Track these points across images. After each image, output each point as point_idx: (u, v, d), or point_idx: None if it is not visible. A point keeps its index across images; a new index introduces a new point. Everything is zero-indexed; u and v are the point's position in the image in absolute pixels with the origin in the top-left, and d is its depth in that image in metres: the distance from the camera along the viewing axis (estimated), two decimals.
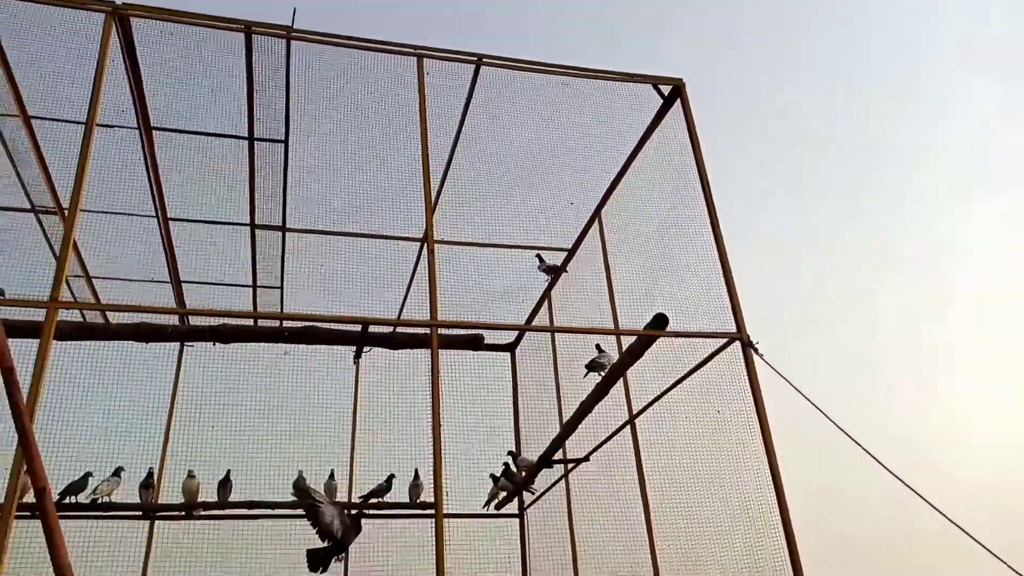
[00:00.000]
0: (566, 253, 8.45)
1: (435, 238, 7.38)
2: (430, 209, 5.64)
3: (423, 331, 6.73)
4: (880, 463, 4.53)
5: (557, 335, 8.59)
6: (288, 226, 7.52)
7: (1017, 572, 4.00)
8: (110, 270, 8.16)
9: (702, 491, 5.82)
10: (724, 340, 5.53)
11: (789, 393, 5.04)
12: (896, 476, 4.44)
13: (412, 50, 6.01)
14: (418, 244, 7.89)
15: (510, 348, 9.74)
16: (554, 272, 8.53)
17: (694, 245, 6.30)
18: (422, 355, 8.20)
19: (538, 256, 8.41)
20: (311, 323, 5.97)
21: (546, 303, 8.96)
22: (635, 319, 6.66)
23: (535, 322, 9.22)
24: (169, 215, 7.37)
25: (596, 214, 7.94)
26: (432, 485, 5.00)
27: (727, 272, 5.75)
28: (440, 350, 5.18)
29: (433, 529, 8.40)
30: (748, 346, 5.33)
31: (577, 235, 8.24)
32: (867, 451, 4.56)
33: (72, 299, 8.03)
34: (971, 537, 4.17)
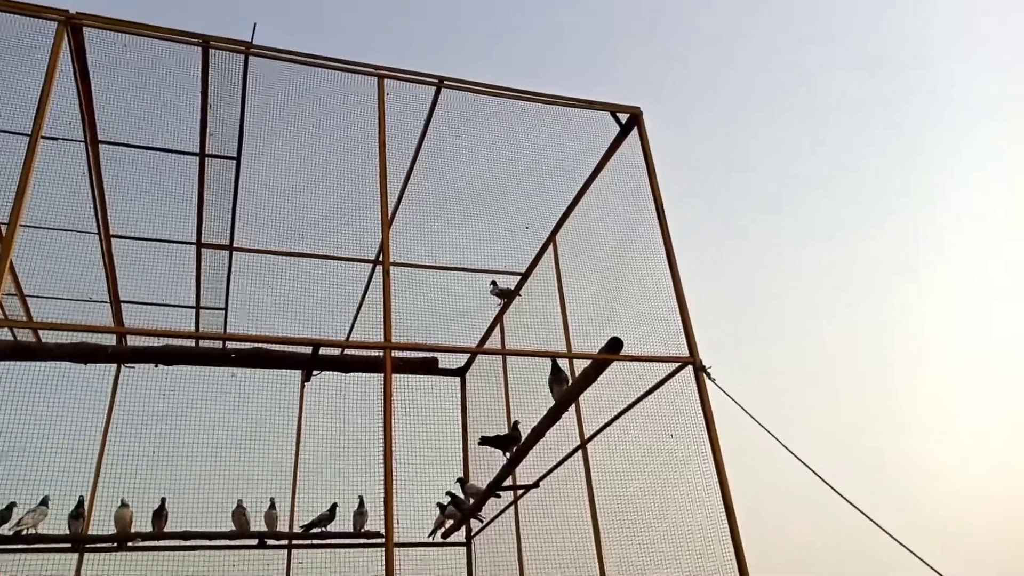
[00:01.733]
0: (520, 277, 8.45)
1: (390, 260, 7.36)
2: (387, 230, 5.57)
3: (375, 353, 6.61)
4: (828, 484, 4.60)
5: (509, 360, 8.55)
6: (236, 245, 7.33)
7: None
8: (46, 288, 7.83)
9: (654, 516, 5.81)
10: (677, 364, 5.57)
11: (741, 414, 5.09)
12: (841, 495, 4.51)
13: (373, 70, 5.98)
14: (370, 265, 7.80)
15: (460, 372, 9.66)
16: (507, 296, 8.52)
17: (648, 270, 6.36)
18: (368, 379, 8.05)
19: (492, 281, 8.39)
20: (258, 344, 5.78)
21: (498, 327, 8.93)
22: (589, 343, 6.67)
23: (487, 346, 9.17)
24: (112, 232, 7.12)
25: (551, 238, 7.98)
26: (383, 514, 4.87)
27: (680, 297, 5.82)
28: (413, 373, 5.09)
29: (378, 558, 8.26)
30: (701, 371, 5.39)
31: (531, 259, 8.26)
32: (816, 473, 4.64)
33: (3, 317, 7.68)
34: (918, 556, 4.25)
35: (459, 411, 9.64)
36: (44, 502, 7.35)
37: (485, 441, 7.34)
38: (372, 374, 7.75)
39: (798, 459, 4.71)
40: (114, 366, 7.75)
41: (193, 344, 7.34)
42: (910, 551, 4.28)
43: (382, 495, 4.74)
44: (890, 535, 4.35)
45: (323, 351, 6.04)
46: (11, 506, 7.27)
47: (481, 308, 8.59)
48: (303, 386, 7.72)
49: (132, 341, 7.41)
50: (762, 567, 4.90)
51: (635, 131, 6.55)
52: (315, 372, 5.43)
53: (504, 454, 7.10)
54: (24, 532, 7.25)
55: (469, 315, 8.60)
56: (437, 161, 6.89)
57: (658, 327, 6.03)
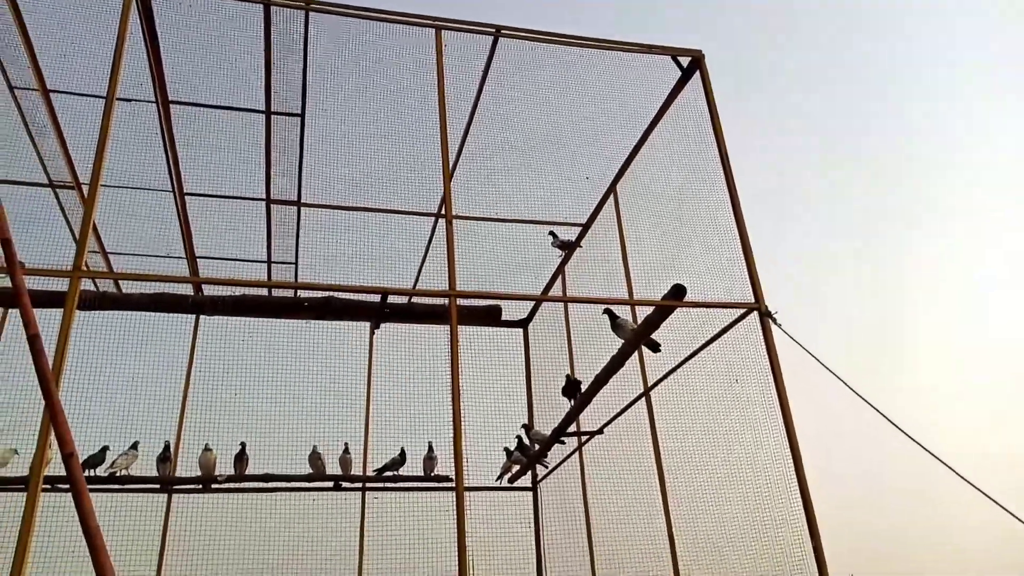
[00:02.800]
0: (580, 228, 8.45)
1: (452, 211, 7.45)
2: (448, 182, 5.64)
3: (441, 302, 6.74)
4: (894, 423, 4.55)
5: (571, 312, 8.61)
6: (303, 201, 7.52)
7: None
8: (125, 245, 8.21)
9: (718, 463, 5.85)
10: (742, 310, 5.54)
11: (808, 364, 5.05)
12: (909, 436, 4.46)
13: (431, 22, 5.99)
14: (432, 219, 7.91)
15: (523, 324, 9.77)
16: (568, 247, 8.53)
17: (711, 218, 6.29)
18: (435, 330, 8.25)
19: (551, 233, 8.41)
20: (330, 293, 5.96)
21: (560, 279, 8.98)
22: (651, 292, 6.67)
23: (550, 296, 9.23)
24: (185, 189, 7.38)
25: (612, 188, 7.93)
26: (452, 458, 5.05)
27: (745, 242, 5.74)
28: (478, 322, 5.20)
29: (448, 501, 8.53)
30: (767, 316, 5.34)
31: (592, 209, 8.24)
32: (880, 412, 4.59)
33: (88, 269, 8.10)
34: (989, 497, 4.21)
35: (523, 361, 9.81)
36: (134, 446, 7.80)
37: (567, 389, 7.46)
38: (438, 325, 7.96)
39: (862, 398, 4.67)
40: (192, 318, 8.11)
41: (267, 294, 7.60)
42: (977, 488, 4.23)
43: (451, 441, 4.92)
44: (956, 472, 4.30)
45: (390, 300, 6.19)
46: (104, 449, 7.73)
47: (543, 260, 8.63)
48: (372, 335, 7.93)
49: (208, 292, 7.72)
50: (828, 508, 4.91)
51: (697, 76, 6.42)
52: (384, 321, 5.59)
53: (569, 401, 7.21)
54: (118, 473, 7.74)
55: (531, 267, 8.66)
56: (496, 113, 6.89)
57: (721, 274, 5.98)
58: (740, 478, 5.55)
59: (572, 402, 7.12)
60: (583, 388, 6.90)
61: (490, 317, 6.04)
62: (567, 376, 7.59)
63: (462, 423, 4.98)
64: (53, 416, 3.75)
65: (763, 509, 5.30)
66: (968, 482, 4.28)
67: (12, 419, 6.68)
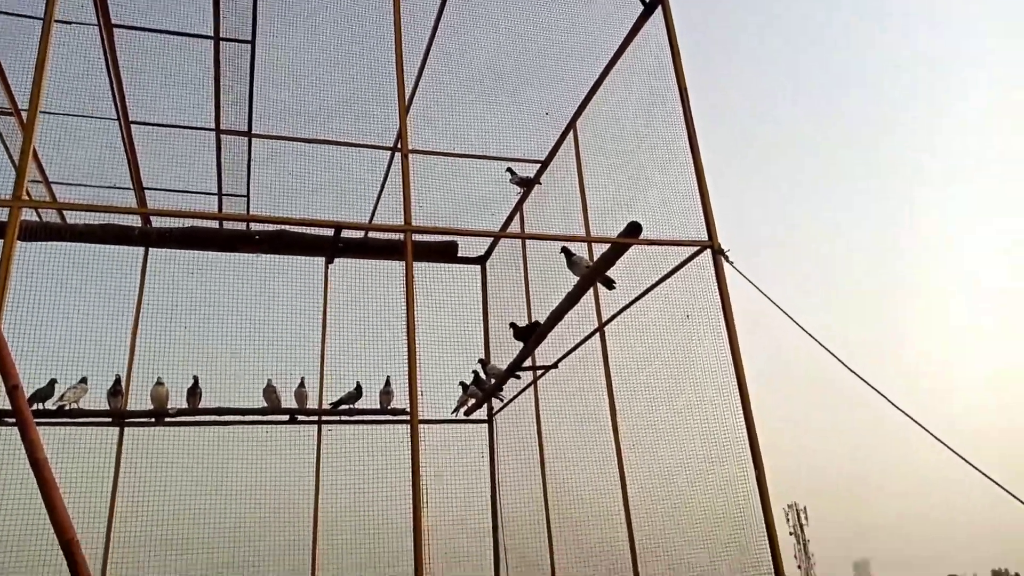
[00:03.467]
0: (539, 165, 8.40)
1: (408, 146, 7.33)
2: (404, 115, 5.54)
3: (396, 237, 6.69)
4: (843, 363, 4.72)
5: (529, 249, 8.62)
6: (254, 132, 7.32)
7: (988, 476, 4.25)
8: (69, 175, 7.93)
9: (669, 397, 6.00)
10: (696, 248, 5.61)
11: (761, 305, 5.17)
12: (859, 376, 4.63)
13: None
14: (389, 152, 7.78)
15: (481, 261, 9.77)
16: (527, 184, 8.49)
17: (670, 156, 6.29)
18: (392, 266, 8.19)
19: (509, 169, 8.34)
20: (282, 226, 5.86)
21: (518, 216, 8.96)
22: (608, 230, 6.70)
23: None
24: (131, 118, 7.13)
25: (571, 124, 7.87)
26: (407, 392, 5.09)
27: (701, 180, 5.78)
28: (415, 260, 5.18)
29: (404, 434, 8.62)
30: (719, 254, 5.42)
31: (551, 146, 8.18)
32: (829, 351, 4.75)
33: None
34: (934, 436, 4.41)
35: (480, 298, 9.85)
36: (83, 380, 7.68)
37: (517, 332, 7.54)
38: (394, 261, 7.90)
39: (810, 335, 4.81)
40: (141, 250, 7.91)
41: (218, 227, 7.45)
42: (911, 418, 4.43)
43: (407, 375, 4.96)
44: (896, 406, 4.49)
45: (345, 235, 6.12)
46: (52, 382, 7.58)
47: (501, 197, 8.60)
48: (327, 268, 7.84)
49: (157, 224, 7.53)
50: (771, 443, 5.10)
51: (659, 10, 6.33)
52: (338, 256, 5.52)
53: (523, 342, 7.30)
54: (67, 407, 7.63)
55: (489, 204, 8.63)
56: (455, 44, 6.74)
57: (678, 213, 6.03)
58: (690, 411, 5.70)
59: (523, 346, 7.20)
60: (540, 324, 6.97)
61: (446, 253, 6.01)
62: (511, 325, 7.67)
63: (417, 358, 5.01)
64: None
65: (711, 441, 5.48)
66: (906, 414, 4.48)
67: None
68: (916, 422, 4.39)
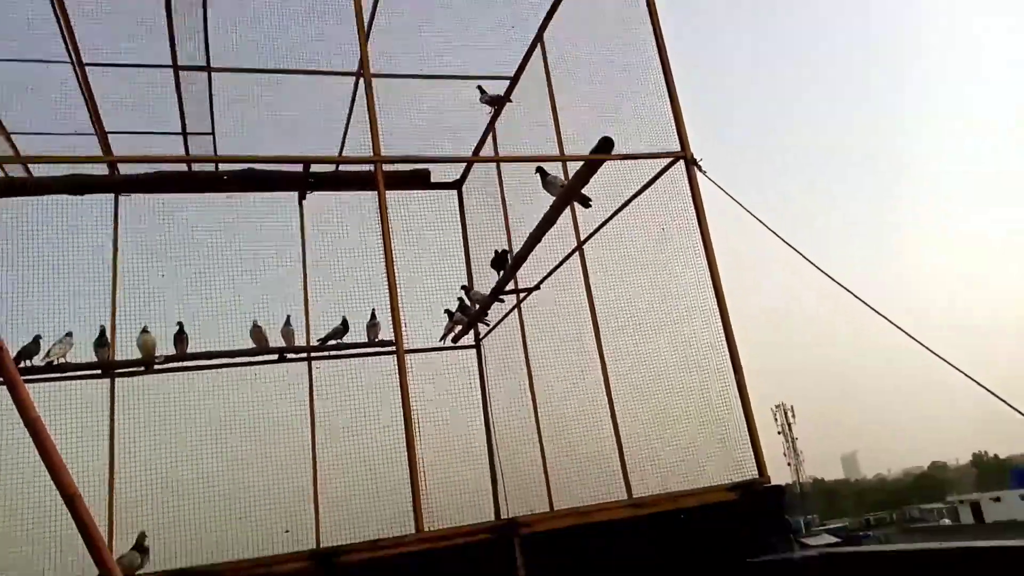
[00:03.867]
0: (509, 81, 8.19)
1: (371, 71, 7.12)
2: (364, 39, 5.35)
3: (368, 168, 6.57)
4: (820, 269, 4.73)
5: (504, 170, 8.50)
6: (213, 66, 7.08)
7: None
8: (30, 124, 7.70)
9: (650, 312, 6.03)
10: (669, 159, 5.54)
11: (740, 217, 5.14)
12: (836, 281, 4.65)
13: None
14: (353, 79, 7.55)
15: (456, 185, 9.65)
16: (498, 102, 8.30)
17: (644, 67, 6.14)
18: (368, 197, 8.06)
19: (479, 87, 8.14)
20: (251, 165, 5.74)
21: (491, 136, 8.81)
22: (582, 147, 6.59)
23: (481, 155, 9.09)
24: (84, 60, 6.86)
25: (539, 36, 7.64)
26: (391, 323, 5.10)
27: (671, 89, 5.67)
28: (387, 190, 5.10)
29: (393, 367, 8.70)
30: (692, 164, 5.36)
31: (519, 61, 7.96)
32: (804, 256, 4.76)
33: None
34: (914, 339, 4.46)
35: (459, 223, 9.77)
36: (68, 335, 7.64)
37: (493, 261, 7.56)
38: (369, 192, 7.76)
39: (779, 237, 4.82)
40: (111, 198, 7.75)
41: (186, 169, 7.27)
42: (882, 315, 4.49)
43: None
44: (865, 302, 4.53)
45: (316, 169, 5.99)
46: (37, 338, 7.52)
47: (472, 119, 8.42)
48: (301, 204, 7.71)
49: (124, 171, 7.36)
50: (748, 342, 5.16)
51: None
52: (309, 192, 5.42)
53: (498, 273, 7.32)
54: (55, 362, 7.60)
55: (460, 128, 8.46)
56: None
57: (654, 127, 5.92)
58: (672, 324, 5.75)
59: (500, 274, 7.20)
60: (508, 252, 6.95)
61: (418, 180, 5.90)
62: (495, 251, 7.64)
63: (398, 289, 4.99)
64: None
65: (693, 351, 5.55)
66: (874, 310, 4.52)
67: None
68: (876, 310, 4.44)
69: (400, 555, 4.16)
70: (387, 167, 5.32)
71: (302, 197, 5.45)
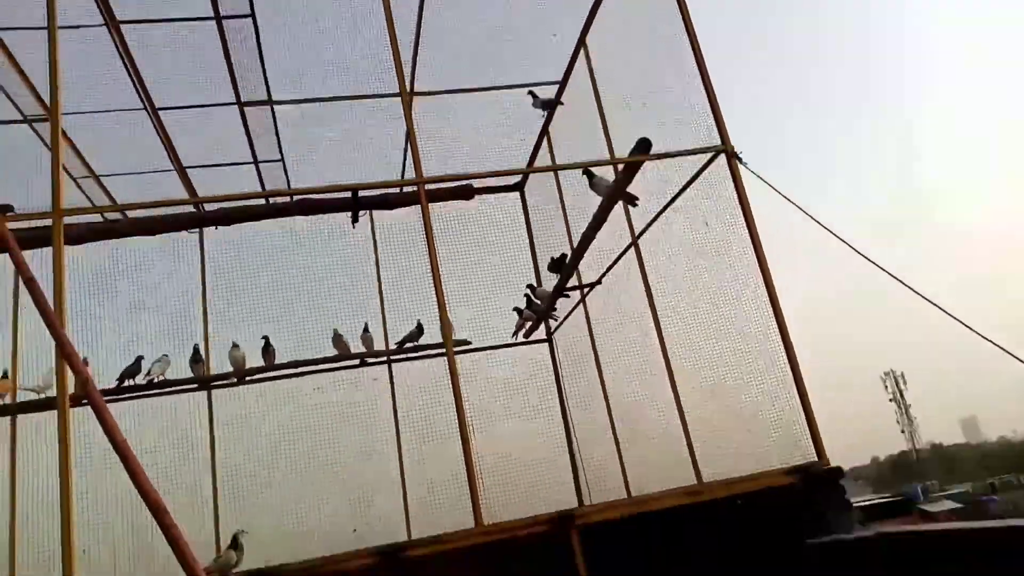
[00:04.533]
0: (558, 85, 8.35)
1: (418, 90, 7.44)
2: (399, 61, 5.64)
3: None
4: (860, 253, 4.72)
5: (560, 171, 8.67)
6: (274, 99, 7.53)
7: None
8: (118, 167, 8.40)
9: (705, 299, 6.10)
10: (711, 154, 5.60)
11: (786, 208, 5.17)
12: (877, 265, 4.64)
13: None
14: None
15: (518, 187, 9.88)
16: (550, 106, 8.47)
17: (681, 64, 6.18)
18: (440, 208, 8.40)
19: (531, 93, 8.32)
20: (305, 195, 6.11)
21: (546, 139, 8.99)
22: (629, 145, 6.68)
23: (539, 158, 9.29)
24: (157, 106, 7.43)
25: (582, 40, 7.76)
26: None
27: (707, 85, 5.70)
28: (434, 202, 5.38)
29: (467, 362, 9.04)
30: (733, 157, 5.40)
31: (566, 65, 8.11)
32: (846, 242, 4.75)
33: (88, 201, 8.38)
34: (960, 321, 4.42)
35: (524, 223, 10.02)
36: (164, 355, 8.33)
37: (551, 264, 7.83)
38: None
39: (821, 225, 4.82)
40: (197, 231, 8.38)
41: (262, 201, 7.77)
42: (936, 305, 4.45)
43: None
44: (914, 290, 4.50)
45: (367, 193, 6.32)
46: (139, 359, 8.25)
47: (528, 123, 8.66)
48: (352, 223, 8.04)
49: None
50: (802, 328, 5.19)
51: None
52: (361, 213, 5.76)
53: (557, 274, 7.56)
54: (155, 380, 8.30)
55: (518, 132, 8.72)
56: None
57: (694, 124, 5.97)
58: (723, 311, 5.81)
59: (558, 275, 7.43)
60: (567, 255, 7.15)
61: (464, 195, 6.16)
62: (551, 258, 7.88)
63: (444, 294, 5.26)
64: (62, 349, 4.10)
65: (744, 334, 5.61)
66: (924, 297, 4.49)
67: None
68: (925, 298, 4.40)
69: (462, 549, 4.42)
70: (432, 185, 5.58)
71: (354, 220, 5.80)
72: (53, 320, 3.68)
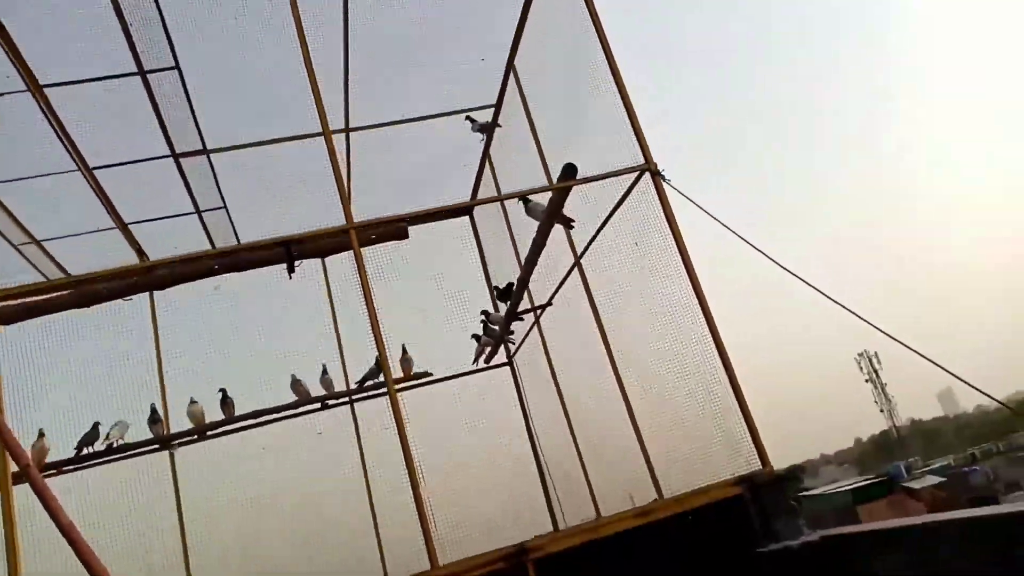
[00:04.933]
0: (493, 108, 8.42)
1: (352, 125, 7.47)
2: (320, 102, 5.69)
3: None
4: (780, 264, 4.82)
5: (504, 190, 8.72)
6: (209, 148, 7.53)
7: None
8: (58, 230, 8.32)
9: (646, 314, 6.17)
10: (635, 174, 5.68)
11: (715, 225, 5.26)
12: (799, 277, 4.74)
13: None
14: (343, 136, 7.90)
15: (467, 211, 9.90)
16: (488, 129, 8.54)
17: (603, 88, 6.27)
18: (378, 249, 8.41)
19: (468, 118, 8.39)
20: (234, 254, 6.12)
21: (488, 162, 9.06)
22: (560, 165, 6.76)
23: (482, 183, 9.35)
24: (91, 165, 7.39)
25: (510, 63, 7.85)
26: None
27: (627, 105, 5.80)
28: (367, 245, 5.39)
29: (428, 395, 9.02)
30: (656, 175, 5.49)
31: (499, 88, 8.20)
32: (767, 255, 4.85)
33: (32, 267, 8.33)
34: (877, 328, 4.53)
35: (475, 246, 10.07)
36: (120, 421, 8.24)
37: (499, 293, 7.90)
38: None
39: (749, 244, 4.91)
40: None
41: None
42: (865, 320, 4.55)
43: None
44: (848, 308, 4.60)
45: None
46: (96, 425, 8.11)
47: (460, 152, 8.72)
48: (290, 273, 8.03)
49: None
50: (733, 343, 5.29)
51: None
52: (296, 264, 5.77)
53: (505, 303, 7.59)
54: (114, 444, 8.17)
55: (455, 161, 8.78)
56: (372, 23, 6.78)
57: (624, 143, 6.05)
58: (663, 320, 5.88)
59: (507, 304, 7.49)
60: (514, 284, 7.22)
61: (398, 236, 6.20)
62: (495, 287, 8.21)
63: (382, 335, 5.27)
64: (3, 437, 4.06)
65: (681, 336, 5.69)
66: (837, 302, 4.59)
67: None
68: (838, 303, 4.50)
69: None
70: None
71: (291, 270, 5.81)
72: None
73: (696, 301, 5.35)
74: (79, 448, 8.01)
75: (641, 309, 6.19)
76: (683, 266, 5.38)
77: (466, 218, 10.00)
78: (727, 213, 5.06)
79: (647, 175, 5.62)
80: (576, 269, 7.19)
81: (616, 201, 6.05)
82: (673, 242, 5.42)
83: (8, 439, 4.18)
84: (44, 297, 5.89)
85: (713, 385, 5.39)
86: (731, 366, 5.16)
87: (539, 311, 8.30)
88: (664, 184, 5.46)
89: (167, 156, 7.54)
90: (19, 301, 5.61)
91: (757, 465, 5.09)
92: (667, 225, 5.47)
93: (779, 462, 5.20)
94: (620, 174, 5.74)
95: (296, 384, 8.86)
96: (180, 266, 5.94)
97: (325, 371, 9.06)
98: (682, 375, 5.70)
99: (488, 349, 9.53)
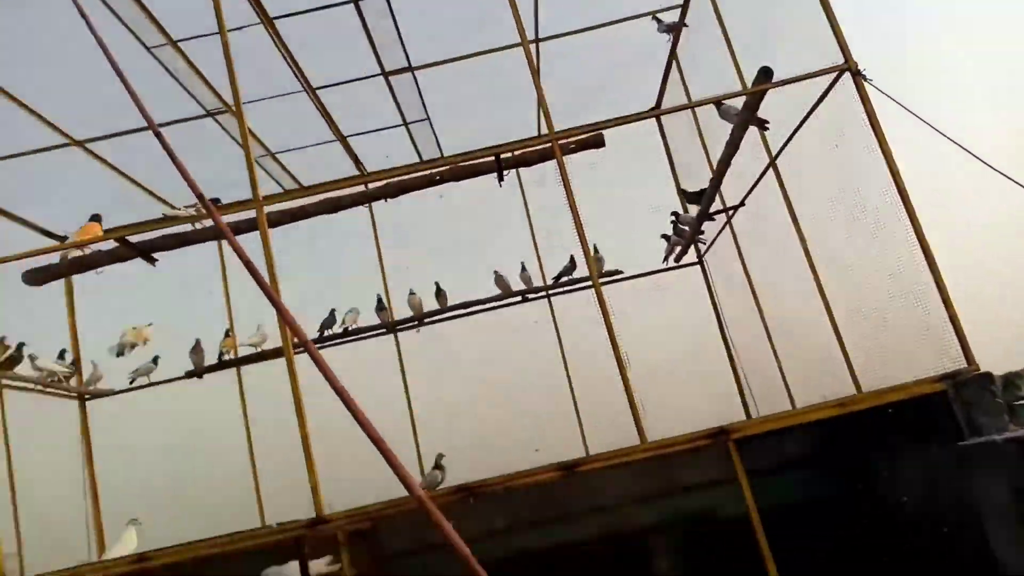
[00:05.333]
0: (679, 7, 8.32)
1: (542, 36, 7.73)
2: (517, 12, 5.97)
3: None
4: (984, 162, 4.64)
5: (693, 94, 8.69)
6: (413, 65, 8.13)
7: None
8: (286, 143, 9.43)
9: (845, 215, 6.14)
10: (834, 74, 5.55)
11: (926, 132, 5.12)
12: (999, 171, 4.56)
13: None
14: (533, 47, 8.18)
15: (654, 114, 9.95)
16: (674, 29, 8.45)
17: None
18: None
19: (655, 18, 8.35)
20: (449, 165, 6.67)
21: (675, 63, 9.02)
22: (756, 65, 6.66)
23: (668, 85, 9.35)
24: (314, 86, 8.24)
25: None
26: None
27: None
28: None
29: (619, 292, 9.50)
30: (857, 75, 5.34)
31: None
32: (973, 154, 4.68)
33: (270, 178, 9.56)
34: None
35: (663, 149, 10.19)
36: (352, 309, 9.51)
37: (689, 197, 8.05)
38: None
39: (956, 144, 4.76)
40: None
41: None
42: None
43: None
44: None
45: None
46: (332, 312, 9.53)
47: (655, 51, 8.75)
48: (500, 185, 8.56)
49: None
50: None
51: None
52: (505, 174, 6.23)
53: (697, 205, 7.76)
54: (349, 328, 9.50)
55: (643, 64, 8.85)
56: None
57: (818, 43, 5.89)
58: (865, 226, 5.84)
59: (698, 206, 7.64)
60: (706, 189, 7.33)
61: (596, 144, 6.46)
62: (685, 191, 8.44)
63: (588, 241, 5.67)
64: (283, 316, 4.99)
65: (882, 243, 5.65)
66: None
67: None
68: None
69: (629, 464, 4.96)
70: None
71: (500, 180, 6.28)
72: (272, 294, 4.62)
73: (902, 204, 5.26)
74: (320, 330, 9.40)
75: (840, 209, 6.15)
76: (887, 167, 5.28)
77: (653, 120, 10.10)
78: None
79: (847, 75, 5.47)
80: (771, 170, 7.18)
81: (814, 102, 5.94)
82: (876, 145, 5.31)
83: (290, 320, 5.10)
84: (300, 204, 6.83)
85: (917, 284, 5.37)
86: (936, 264, 5.12)
87: (731, 212, 8.37)
88: (867, 85, 5.30)
89: (377, 75, 8.23)
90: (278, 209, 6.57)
91: (963, 364, 5.09)
92: (871, 130, 5.34)
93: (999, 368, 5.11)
94: (819, 74, 5.62)
95: (499, 279, 9.72)
96: (409, 175, 6.57)
97: (523, 268, 9.81)
98: (883, 271, 5.68)
99: (678, 249, 9.77)
